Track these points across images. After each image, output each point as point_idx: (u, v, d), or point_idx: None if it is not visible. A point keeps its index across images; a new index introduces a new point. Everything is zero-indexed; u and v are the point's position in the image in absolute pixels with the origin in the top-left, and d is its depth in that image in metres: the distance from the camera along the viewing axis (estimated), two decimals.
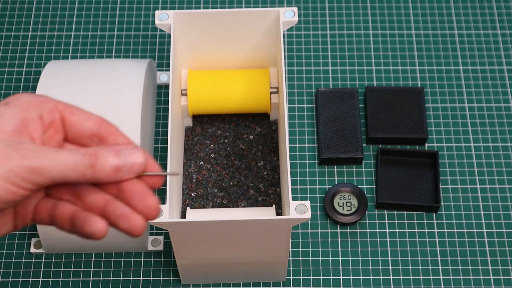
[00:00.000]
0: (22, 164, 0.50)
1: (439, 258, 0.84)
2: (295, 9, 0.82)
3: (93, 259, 0.84)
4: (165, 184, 0.89)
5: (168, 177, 0.71)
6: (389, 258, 0.84)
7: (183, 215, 0.84)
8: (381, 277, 0.83)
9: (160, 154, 0.91)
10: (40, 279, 0.83)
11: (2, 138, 0.51)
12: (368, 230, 0.86)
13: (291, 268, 0.83)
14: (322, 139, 0.90)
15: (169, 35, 1.00)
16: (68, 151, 0.51)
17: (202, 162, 0.88)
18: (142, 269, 0.84)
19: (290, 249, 0.85)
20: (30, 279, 0.83)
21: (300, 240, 0.85)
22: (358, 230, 0.86)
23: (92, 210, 0.52)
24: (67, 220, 0.53)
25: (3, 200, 0.50)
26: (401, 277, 0.83)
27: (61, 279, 0.83)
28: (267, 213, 0.77)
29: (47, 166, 0.50)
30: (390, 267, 0.83)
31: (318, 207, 0.87)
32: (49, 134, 0.55)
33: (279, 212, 0.84)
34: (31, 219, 0.55)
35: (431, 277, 0.83)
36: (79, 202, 0.53)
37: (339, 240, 0.85)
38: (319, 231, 0.86)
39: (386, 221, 0.86)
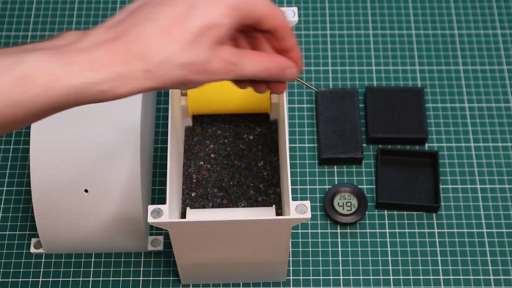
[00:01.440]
0: None
1: (439, 258, 0.84)
2: (295, 9, 0.82)
3: (93, 259, 0.84)
4: (165, 184, 0.89)
5: (168, 177, 0.71)
6: (389, 258, 0.84)
7: (183, 215, 0.84)
8: (381, 277, 0.83)
9: (160, 154, 0.91)
10: (40, 279, 0.83)
11: None
12: (368, 230, 0.86)
13: (291, 268, 0.83)
14: (322, 139, 0.90)
15: None
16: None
17: (202, 162, 0.88)
18: (142, 269, 0.84)
19: (290, 249, 0.85)
20: (30, 279, 0.83)
21: (300, 240, 0.85)
22: (358, 230, 0.86)
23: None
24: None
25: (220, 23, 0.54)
26: (401, 277, 0.83)
27: (61, 279, 0.83)
28: (267, 213, 0.77)
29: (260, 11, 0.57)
30: (390, 267, 0.83)
31: (318, 207, 0.87)
32: None
33: (279, 212, 0.84)
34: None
35: (431, 277, 0.83)
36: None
37: (339, 240, 0.85)
38: (319, 231, 0.86)
39: (386, 221, 0.86)
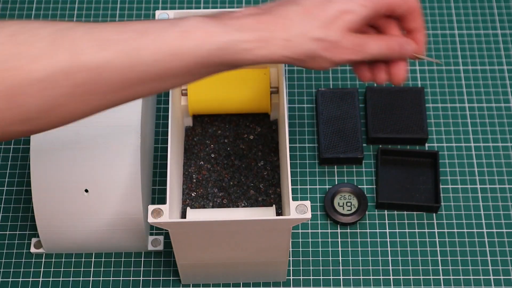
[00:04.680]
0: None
1: (439, 258, 0.84)
2: None
3: (93, 259, 0.84)
4: (165, 184, 0.89)
5: (168, 177, 0.71)
6: (389, 258, 0.84)
7: (183, 215, 0.84)
8: (381, 277, 0.83)
9: (160, 154, 0.91)
10: (40, 279, 0.83)
11: None
12: (368, 230, 0.86)
13: (291, 268, 0.83)
14: (322, 139, 0.90)
15: None
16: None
17: (202, 162, 0.88)
18: (142, 269, 0.84)
19: (290, 249, 0.85)
20: (30, 279, 0.83)
21: (300, 240, 0.85)
22: (358, 230, 0.86)
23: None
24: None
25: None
26: (401, 277, 0.83)
27: (61, 279, 0.83)
28: (267, 213, 0.77)
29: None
30: (390, 267, 0.83)
31: (318, 207, 0.87)
32: None
33: (279, 212, 0.84)
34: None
35: (431, 277, 0.83)
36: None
37: (339, 240, 0.85)
38: (319, 231, 0.86)
39: (386, 221, 0.86)
